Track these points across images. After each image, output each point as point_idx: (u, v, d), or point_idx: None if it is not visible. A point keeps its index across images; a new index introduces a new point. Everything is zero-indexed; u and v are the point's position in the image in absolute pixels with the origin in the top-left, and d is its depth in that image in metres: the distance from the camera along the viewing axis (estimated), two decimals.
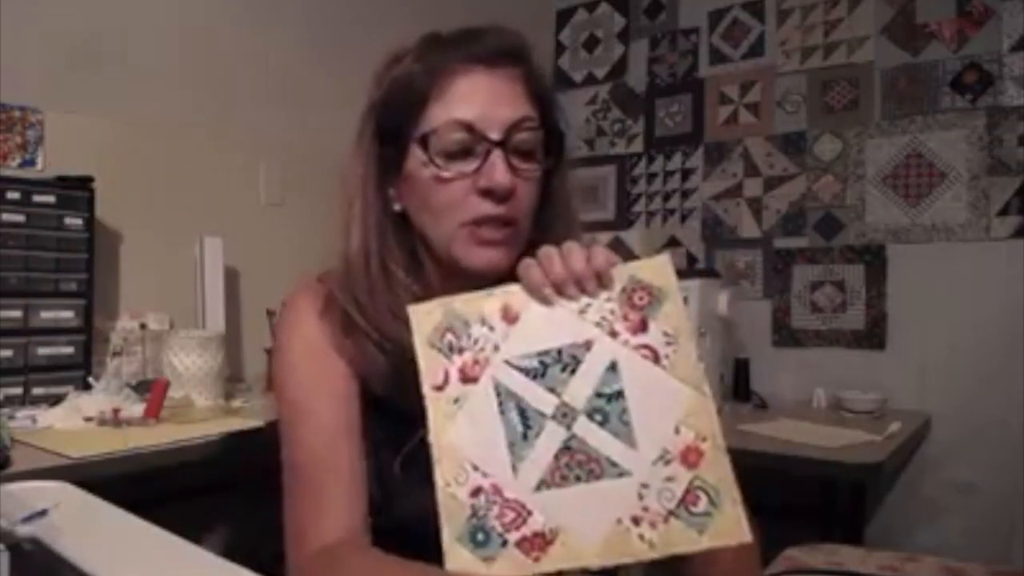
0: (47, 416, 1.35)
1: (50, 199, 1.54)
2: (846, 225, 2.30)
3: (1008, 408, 2.00)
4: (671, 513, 0.56)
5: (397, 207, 0.79)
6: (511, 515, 0.59)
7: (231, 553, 0.67)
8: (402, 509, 0.78)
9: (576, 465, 0.58)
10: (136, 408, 1.38)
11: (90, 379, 1.54)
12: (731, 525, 0.56)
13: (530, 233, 0.78)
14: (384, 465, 0.79)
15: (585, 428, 0.59)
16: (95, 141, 1.76)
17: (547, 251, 0.65)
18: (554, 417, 0.60)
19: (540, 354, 0.61)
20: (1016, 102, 2.05)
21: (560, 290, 0.63)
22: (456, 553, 0.60)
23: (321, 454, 0.74)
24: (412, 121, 0.75)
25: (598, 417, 0.59)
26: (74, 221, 1.58)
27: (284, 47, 2.12)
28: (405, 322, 0.75)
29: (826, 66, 2.34)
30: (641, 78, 2.72)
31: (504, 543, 0.58)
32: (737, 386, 2.16)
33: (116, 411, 1.36)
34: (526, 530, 0.58)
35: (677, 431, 0.58)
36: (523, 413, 0.60)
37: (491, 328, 0.63)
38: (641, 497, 0.57)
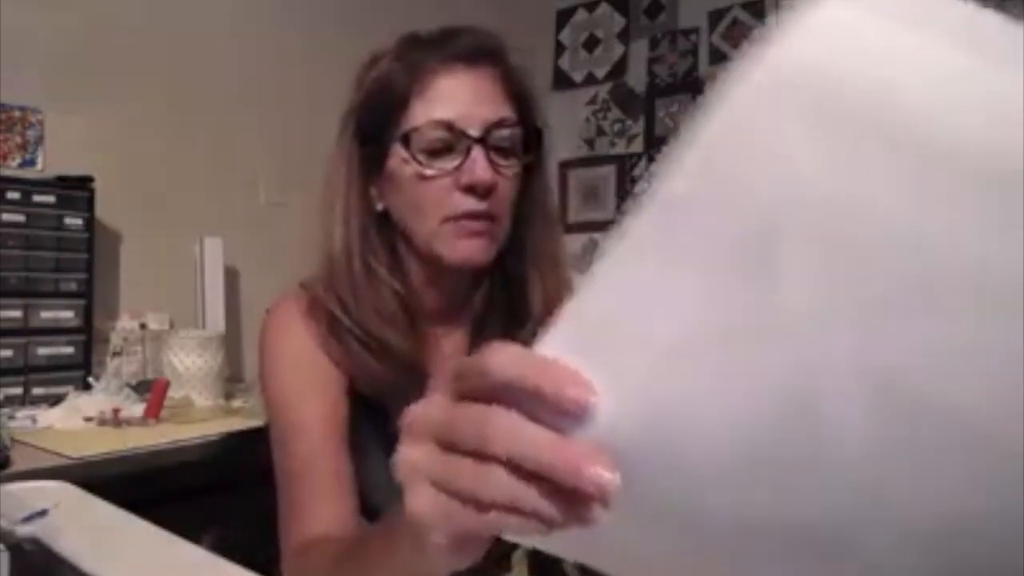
0: (47, 416, 1.35)
1: (50, 199, 1.54)
2: None
3: None
4: None
5: (379, 206, 0.79)
6: None
7: (231, 553, 0.67)
8: (392, 509, 0.79)
9: None
10: (136, 408, 1.38)
11: (90, 379, 1.54)
12: None
13: (509, 229, 0.78)
14: (373, 466, 0.79)
15: None
16: (95, 141, 1.76)
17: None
18: None
19: None
20: None
21: None
22: None
23: (307, 460, 0.74)
24: (393, 120, 0.75)
25: None
26: (74, 221, 1.58)
27: (284, 47, 2.12)
28: (388, 321, 0.76)
29: None
30: (641, 78, 2.72)
31: None
32: None
33: (116, 411, 1.36)
34: None
35: None
36: None
37: None
38: None
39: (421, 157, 0.73)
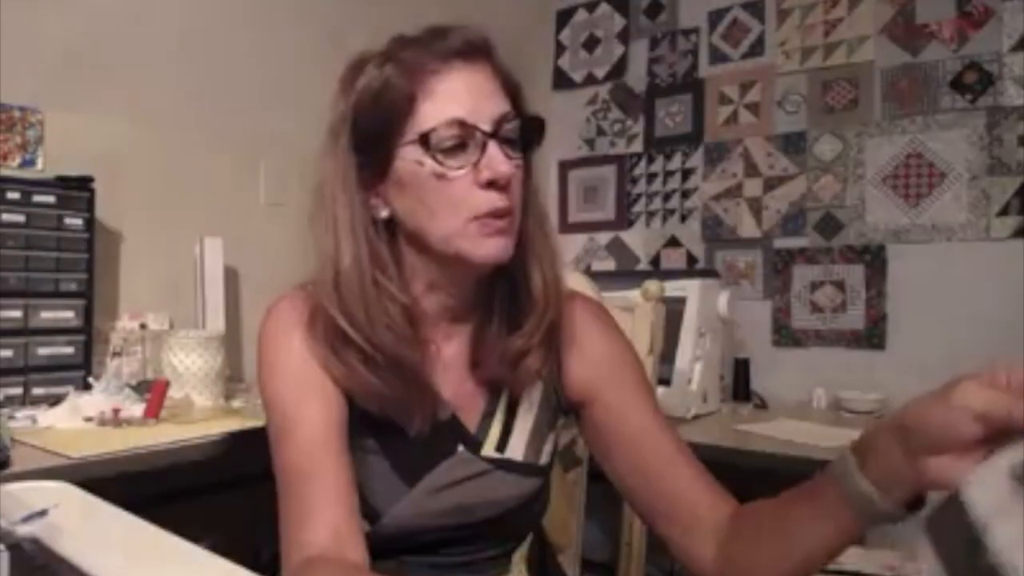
0: (47, 416, 1.35)
1: (50, 199, 1.54)
2: (846, 225, 2.30)
3: None
4: None
5: (384, 213, 0.78)
6: None
7: (231, 553, 0.66)
8: (393, 516, 0.78)
9: None
10: (136, 408, 1.38)
11: (90, 379, 1.54)
12: None
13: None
14: (375, 472, 0.78)
15: None
16: (95, 141, 1.76)
17: None
18: None
19: None
20: (1016, 102, 2.05)
21: None
22: None
23: (306, 464, 0.73)
24: (399, 123, 0.74)
25: None
26: (74, 221, 1.58)
27: (284, 47, 2.12)
28: (396, 333, 0.76)
29: (826, 66, 2.34)
30: (641, 78, 2.72)
31: None
32: (737, 386, 2.16)
33: (116, 411, 1.35)
34: None
35: None
36: None
37: None
38: None
39: (440, 157, 0.73)
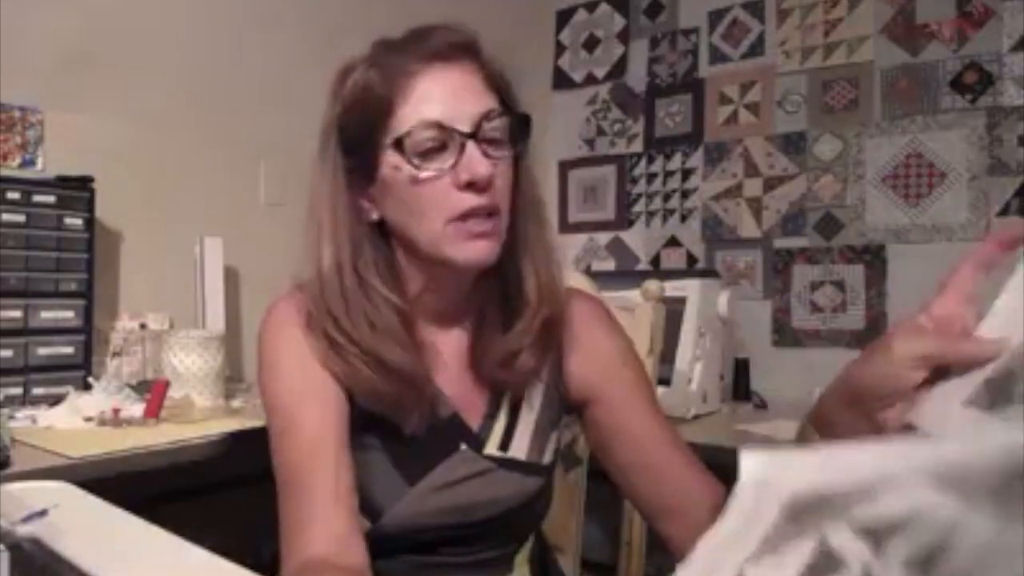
0: (47, 416, 1.35)
1: (50, 199, 1.54)
2: (846, 225, 2.30)
3: None
4: None
5: (374, 216, 0.78)
6: None
7: (231, 553, 0.66)
8: (393, 514, 0.78)
9: None
10: (136, 408, 1.38)
11: (90, 379, 1.54)
12: None
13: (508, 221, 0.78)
14: (377, 471, 0.78)
15: None
16: (95, 141, 1.76)
17: None
18: None
19: None
20: (1016, 102, 2.05)
21: None
22: None
23: (307, 464, 0.73)
24: (379, 128, 0.74)
25: None
26: (74, 221, 1.58)
27: (284, 47, 2.12)
28: (386, 335, 0.76)
29: (826, 66, 2.34)
30: (641, 78, 2.72)
31: None
32: (737, 386, 2.16)
33: (116, 411, 1.35)
34: None
35: None
36: None
37: None
38: None
39: (416, 160, 0.73)
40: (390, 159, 0.74)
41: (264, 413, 0.81)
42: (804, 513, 0.42)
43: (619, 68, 2.77)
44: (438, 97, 0.73)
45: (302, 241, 0.80)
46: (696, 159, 2.59)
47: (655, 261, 2.67)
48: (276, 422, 0.77)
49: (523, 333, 0.80)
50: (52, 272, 1.54)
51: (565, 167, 2.88)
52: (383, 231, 0.79)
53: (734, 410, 2.08)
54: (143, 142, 1.85)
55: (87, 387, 1.50)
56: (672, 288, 1.49)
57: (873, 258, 2.25)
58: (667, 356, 1.75)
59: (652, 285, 1.26)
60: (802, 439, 0.65)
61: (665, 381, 1.79)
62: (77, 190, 1.59)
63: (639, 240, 2.71)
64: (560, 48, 2.93)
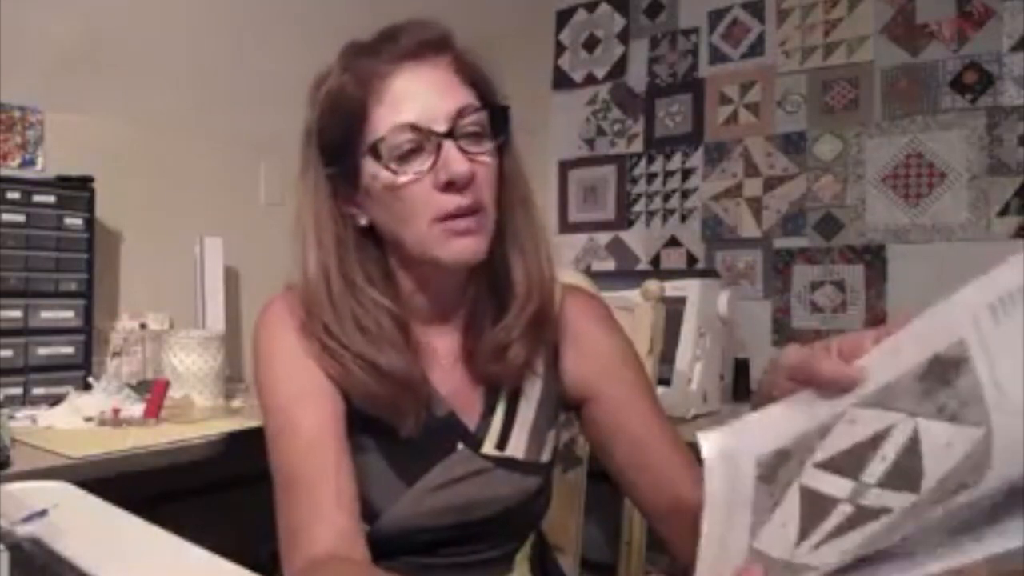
0: (47, 416, 1.35)
1: (50, 199, 1.54)
2: (846, 225, 2.30)
3: None
4: None
5: (363, 222, 0.78)
6: None
7: (231, 553, 0.67)
8: (391, 516, 0.78)
9: None
10: (136, 408, 1.38)
11: (90, 379, 1.54)
12: None
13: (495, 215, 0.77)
14: (376, 474, 0.78)
15: None
16: (95, 141, 1.76)
17: None
18: None
19: None
20: (1016, 102, 2.05)
21: None
22: None
23: (309, 461, 0.73)
24: (356, 134, 0.74)
25: None
26: (74, 221, 1.58)
27: (284, 47, 2.12)
28: (380, 339, 0.76)
29: (826, 66, 2.34)
30: (641, 78, 2.72)
31: None
32: (737, 386, 2.16)
33: (116, 411, 1.35)
34: None
35: None
36: None
37: None
38: None
39: (393, 165, 0.72)
40: (368, 165, 0.74)
41: (261, 413, 0.80)
42: (774, 471, 0.46)
43: (619, 68, 2.77)
44: (411, 98, 0.73)
45: (291, 248, 0.80)
46: (696, 159, 2.59)
47: (655, 261, 2.67)
48: (273, 422, 0.77)
49: (513, 325, 0.80)
50: (52, 272, 1.54)
51: (565, 167, 2.88)
52: (374, 234, 0.79)
53: (734, 410, 2.08)
54: (143, 142, 1.85)
55: (87, 387, 1.50)
56: (672, 288, 1.49)
57: (873, 258, 2.25)
58: (667, 356, 1.75)
59: (652, 285, 1.26)
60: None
61: (665, 381, 1.79)
62: (77, 190, 1.59)
63: (639, 240, 2.71)
64: (560, 48, 2.93)
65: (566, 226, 2.86)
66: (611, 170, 2.78)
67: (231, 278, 1.95)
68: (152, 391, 1.39)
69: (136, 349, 1.75)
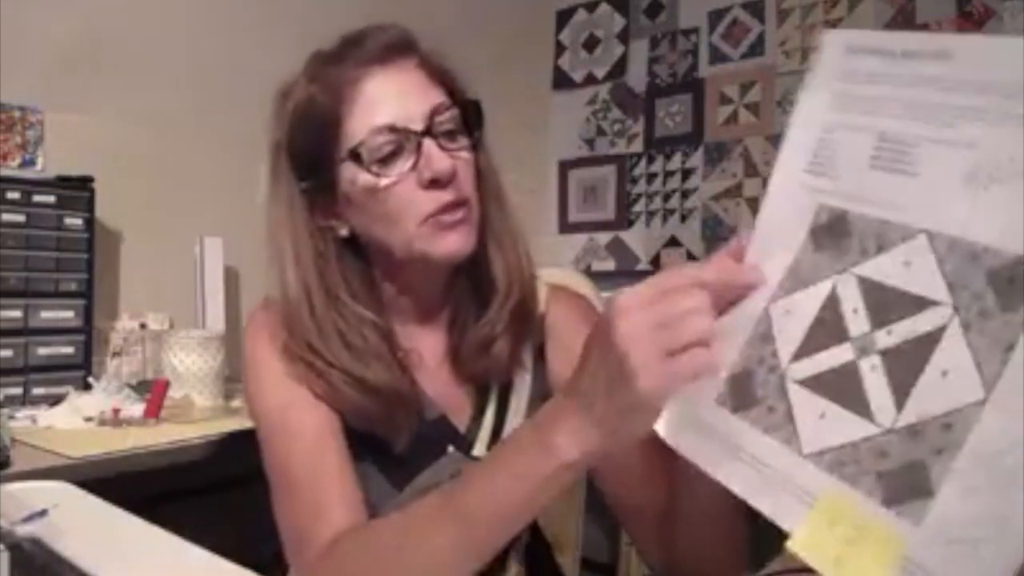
0: (47, 416, 1.35)
1: (50, 199, 1.54)
2: None
3: None
4: None
5: (344, 232, 0.77)
6: None
7: (231, 553, 0.67)
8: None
9: None
10: (136, 408, 1.38)
11: (90, 379, 1.54)
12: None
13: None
14: (373, 487, 0.77)
15: None
16: (95, 141, 1.76)
17: None
18: None
19: None
20: None
21: None
22: None
23: (311, 459, 0.73)
24: (331, 143, 0.73)
25: None
26: (74, 221, 1.58)
27: (284, 47, 2.12)
28: (366, 354, 0.75)
29: None
30: (641, 78, 2.72)
31: None
32: None
33: (116, 411, 1.36)
34: None
35: None
36: None
37: None
38: None
39: (375, 168, 0.72)
40: (348, 172, 0.73)
41: (254, 424, 0.79)
42: (743, 394, 0.49)
43: (619, 68, 2.77)
44: (385, 100, 0.72)
45: (265, 267, 0.79)
46: (696, 159, 2.59)
47: (655, 261, 2.67)
48: (271, 426, 0.76)
49: (496, 320, 0.79)
50: (52, 272, 1.55)
51: (565, 167, 2.88)
52: (354, 243, 0.78)
53: None
54: (143, 142, 1.85)
55: (87, 387, 1.50)
56: None
57: None
58: None
59: None
60: None
61: None
62: (77, 190, 1.59)
63: (639, 240, 2.71)
64: (560, 48, 2.93)
65: (566, 226, 2.86)
66: (611, 170, 2.78)
67: (231, 278, 1.95)
68: (152, 391, 1.40)
69: (136, 349, 1.75)
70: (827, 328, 0.46)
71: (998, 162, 0.39)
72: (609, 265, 2.77)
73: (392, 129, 0.71)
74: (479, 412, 0.83)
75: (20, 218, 1.50)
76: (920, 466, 0.40)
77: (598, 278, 1.24)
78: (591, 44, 2.85)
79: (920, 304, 0.41)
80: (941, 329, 0.40)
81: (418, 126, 0.72)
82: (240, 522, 1.11)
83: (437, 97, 0.74)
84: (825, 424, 0.45)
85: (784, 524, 0.44)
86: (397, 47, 0.75)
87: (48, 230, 1.54)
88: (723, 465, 0.49)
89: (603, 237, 2.78)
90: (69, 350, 1.57)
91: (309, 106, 0.75)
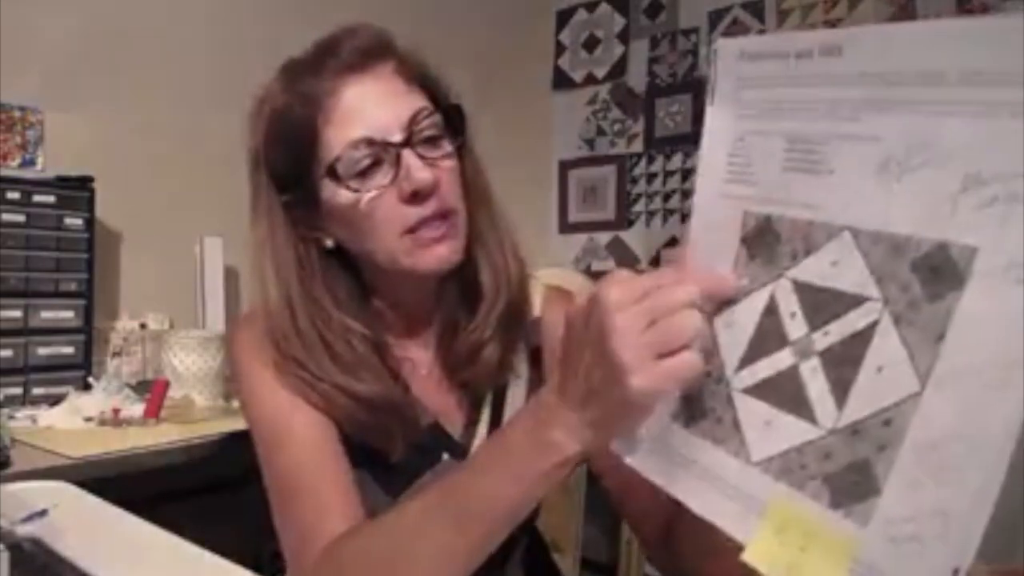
0: (47, 416, 1.35)
1: (50, 199, 1.54)
2: None
3: None
4: None
5: (329, 243, 0.75)
6: None
7: (231, 553, 0.67)
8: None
9: None
10: (136, 408, 1.38)
11: (90, 379, 1.54)
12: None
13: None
14: (371, 497, 0.76)
15: None
16: (95, 141, 1.76)
17: None
18: None
19: None
20: None
21: None
22: None
23: (310, 464, 0.72)
24: (309, 157, 0.72)
25: None
26: (74, 221, 1.58)
27: (284, 47, 2.12)
28: (352, 366, 0.73)
29: None
30: (641, 78, 2.72)
31: None
32: None
33: (116, 411, 1.36)
34: None
35: None
36: None
37: None
38: None
39: (353, 183, 0.70)
40: (327, 187, 0.72)
41: (249, 428, 0.78)
42: (692, 408, 0.50)
43: (619, 68, 2.77)
44: (361, 111, 0.70)
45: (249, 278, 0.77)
46: (696, 159, 2.59)
47: (655, 261, 2.67)
48: (268, 432, 0.75)
49: (484, 325, 0.78)
50: (52, 272, 1.55)
51: (565, 167, 2.88)
52: (341, 253, 0.77)
53: None
54: (143, 142, 1.85)
55: (87, 387, 1.50)
56: None
57: None
58: None
59: None
60: None
61: None
62: (77, 190, 1.59)
63: (639, 240, 2.71)
64: (560, 48, 2.93)
65: (566, 226, 2.86)
66: (611, 170, 2.78)
67: (231, 278, 1.95)
68: (152, 391, 1.40)
69: (136, 349, 1.75)
70: (768, 335, 0.46)
71: (906, 151, 0.39)
72: (609, 265, 2.77)
73: (369, 142, 0.69)
74: (474, 419, 0.82)
75: (20, 218, 1.50)
76: (865, 465, 0.40)
77: (598, 278, 1.24)
78: (591, 44, 2.85)
79: (852, 302, 0.41)
80: (873, 325, 0.40)
81: (396, 137, 0.70)
82: (240, 522, 1.11)
83: (417, 103, 0.72)
84: (771, 431, 0.45)
85: (738, 536, 0.44)
86: (374, 52, 0.73)
87: (48, 230, 1.54)
88: (679, 481, 0.49)
89: (603, 237, 2.78)
90: (69, 350, 1.57)
91: (285, 118, 0.73)
